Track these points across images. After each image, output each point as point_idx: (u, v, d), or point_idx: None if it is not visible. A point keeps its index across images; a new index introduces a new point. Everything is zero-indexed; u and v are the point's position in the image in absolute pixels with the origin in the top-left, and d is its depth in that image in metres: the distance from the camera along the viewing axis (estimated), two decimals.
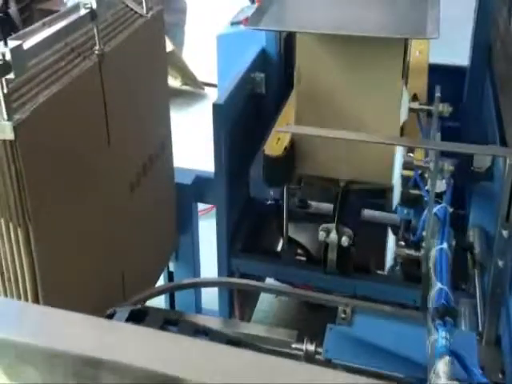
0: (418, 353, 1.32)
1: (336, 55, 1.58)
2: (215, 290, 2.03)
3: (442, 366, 1.06)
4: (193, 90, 4.23)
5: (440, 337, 1.12)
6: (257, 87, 2.09)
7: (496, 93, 2.04)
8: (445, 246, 1.34)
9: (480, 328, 1.42)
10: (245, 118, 2.04)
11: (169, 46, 4.04)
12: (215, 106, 1.83)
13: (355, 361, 1.39)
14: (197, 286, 1.86)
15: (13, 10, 2.18)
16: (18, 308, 0.71)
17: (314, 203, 2.48)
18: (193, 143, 3.30)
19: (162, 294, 1.56)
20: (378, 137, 1.39)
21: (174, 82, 4.17)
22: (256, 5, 3.13)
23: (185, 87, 4.24)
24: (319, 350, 1.45)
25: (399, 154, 1.43)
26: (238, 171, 2.02)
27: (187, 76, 4.21)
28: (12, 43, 1.03)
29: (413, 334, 1.36)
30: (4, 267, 1.16)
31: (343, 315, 1.41)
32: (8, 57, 1.01)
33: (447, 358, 1.07)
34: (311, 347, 1.47)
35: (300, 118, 1.72)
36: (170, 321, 0.87)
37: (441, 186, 1.44)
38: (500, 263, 1.28)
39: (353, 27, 1.48)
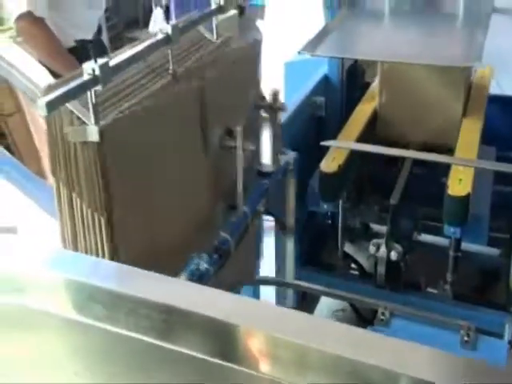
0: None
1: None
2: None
3: None
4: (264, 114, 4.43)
5: None
6: (317, 110, 2.24)
7: None
8: None
9: None
10: (305, 137, 2.19)
11: None
12: None
13: None
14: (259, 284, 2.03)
15: (104, 36, 2.46)
16: (96, 262, 0.89)
17: (374, 226, 2.58)
18: None
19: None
20: (435, 156, 1.52)
21: None
22: None
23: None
24: None
25: None
26: (299, 187, 2.17)
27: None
28: (100, 61, 1.24)
29: (445, 338, 1.45)
30: (90, 253, 1.36)
31: (382, 317, 1.52)
32: (97, 72, 1.22)
33: None
34: None
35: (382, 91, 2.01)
36: None
37: None
38: None
39: (400, 54, 1.63)
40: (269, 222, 2.26)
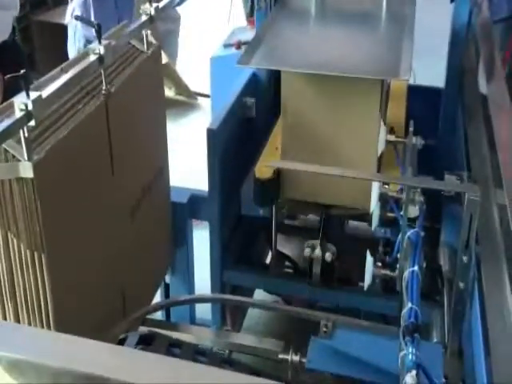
0: (391, 363, 1.48)
1: (318, 92, 1.73)
2: None
3: (409, 380, 1.21)
4: (186, 100, 4.37)
5: (409, 352, 1.27)
6: (248, 111, 2.22)
7: (465, 120, 2.20)
8: (416, 268, 1.49)
9: (446, 340, 1.58)
10: (236, 140, 2.18)
11: (163, 59, 4.17)
12: (209, 131, 1.97)
13: (335, 370, 1.55)
14: (192, 302, 2.00)
15: (18, 37, 2.31)
16: (35, 334, 0.86)
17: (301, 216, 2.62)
18: (187, 153, 3.42)
19: (161, 309, 1.69)
20: (357, 172, 1.55)
21: (167, 92, 4.30)
22: (247, 26, 3.29)
23: (178, 97, 4.38)
24: (303, 360, 1.61)
25: (376, 186, 1.58)
26: (230, 190, 2.16)
27: (181, 86, 4.35)
28: (33, 94, 1.16)
29: (386, 346, 1.51)
30: (28, 294, 1.30)
31: (325, 329, 1.56)
32: (30, 107, 1.15)
33: (414, 372, 1.22)
34: (296, 358, 1.62)
35: (286, 149, 1.88)
36: (174, 344, 1.01)
37: (414, 211, 1.60)
38: (461, 285, 1.45)
39: (333, 66, 1.63)
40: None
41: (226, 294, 1.97)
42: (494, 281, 1.36)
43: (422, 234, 1.60)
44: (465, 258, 1.43)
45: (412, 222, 1.64)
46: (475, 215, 1.39)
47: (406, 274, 1.49)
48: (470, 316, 1.51)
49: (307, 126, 1.79)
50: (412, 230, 1.59)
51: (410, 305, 1.39)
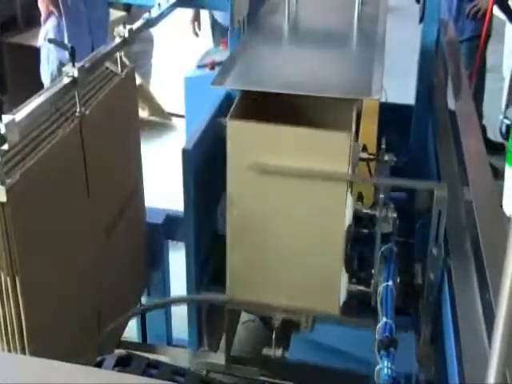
0: (366, 352, 1.53)
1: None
2: (185, 319, 2.16)
3: None
4: (160, 120, 4.38)
5: (384, 366, 1.30)
6: (222, 131, 2.23)
7: (435, 136, 2.25)
8: (390, 283, 1.52)
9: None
10: (211, 160, 2.18)
11: (136, 79, 4.18)
12: (184, 152, 1.98)
13: (315, 361, 1.66)
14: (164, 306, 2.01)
15: None
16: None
17: None
18: (162, 174, 3.42)
19: (135, 316, 1.70)
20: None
21: (141, 112, 4.30)
22: (220, 47, 3.33)
23: (152, 118, 4.39)
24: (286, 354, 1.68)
25: (350, 202, 1.59)
26: (206, 210, 2.16)
27: (154, 107, 4.36)
28: (6, 118, 1.17)
29: (362, 337, 1.56)
30: (8, 318, 1.29)
31: (305, 325, 1.61)
32: (3, 131, 1.15)
33: None
34: (279, 352, 1.68)
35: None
36: (151, 364, 1.00)
37: (387, 227, 1.62)
38: (432, 276, 1.53)
39: (306, 86, 1.65)
40: None
41: (200, 294, 1.98)
42: (462, 272, 1.43)
43: (395, 249, 1.63)
44: (435, 251, 1.50)
45: (385, 237, 1.67)
46: (444, 211, 1.47)
47: (381, 288, 1.52)
48: (441, 305, 1.57)
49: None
50: (386, 246, 1.62)
51: (384, 319, 1.42)
